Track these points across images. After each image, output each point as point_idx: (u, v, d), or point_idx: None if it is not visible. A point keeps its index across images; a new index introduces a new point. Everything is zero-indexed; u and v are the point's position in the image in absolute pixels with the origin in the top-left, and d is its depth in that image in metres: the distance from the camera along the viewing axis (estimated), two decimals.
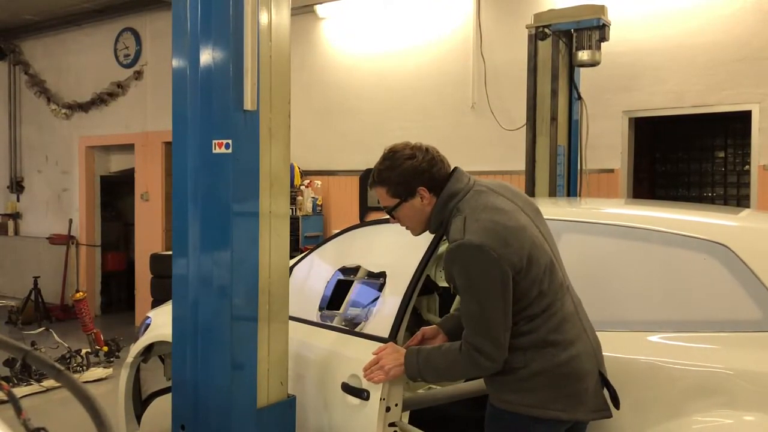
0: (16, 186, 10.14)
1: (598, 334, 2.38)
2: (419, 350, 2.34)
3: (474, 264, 2.10)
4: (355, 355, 2.65)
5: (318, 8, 6.91)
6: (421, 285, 2.68)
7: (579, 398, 2.18)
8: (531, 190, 4.53)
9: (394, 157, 2.31)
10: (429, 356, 2.30)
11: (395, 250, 2.98)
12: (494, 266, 2.08)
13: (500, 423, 2.26)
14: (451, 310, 3.44)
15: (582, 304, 2.34)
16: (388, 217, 2.44)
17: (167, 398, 2.99)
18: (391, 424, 2.49)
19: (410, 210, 2.34)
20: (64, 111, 9.37)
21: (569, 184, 4.71)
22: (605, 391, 2.26)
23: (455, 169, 2.34)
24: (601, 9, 4.40)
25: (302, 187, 6.82)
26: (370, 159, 7.18)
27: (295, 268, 3.39)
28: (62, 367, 1.37)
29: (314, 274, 3.35)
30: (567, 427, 2.23)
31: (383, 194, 2.35)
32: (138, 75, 8.59)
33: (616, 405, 2.26)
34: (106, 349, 6.35)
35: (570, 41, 4.54)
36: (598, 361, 2.26)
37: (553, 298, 2.20)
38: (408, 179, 2.28)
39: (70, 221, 9.30)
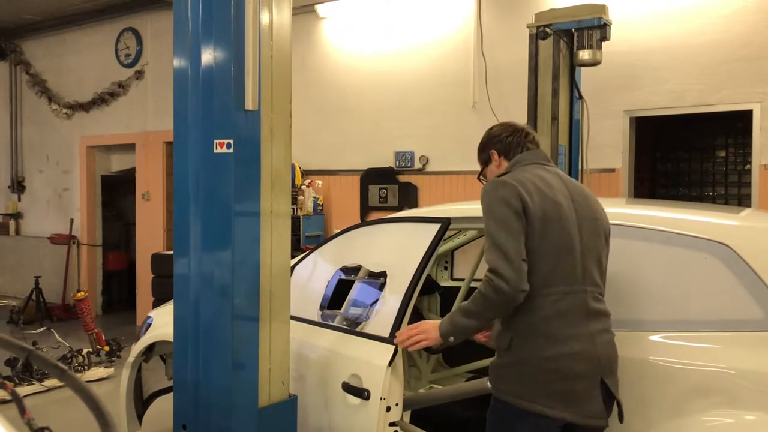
0: (17, 186, 10.15)
1: None
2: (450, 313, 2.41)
3: (496, 194, 2.29)
4: (355, 355, 2.66)
5: (319, 8, 6.91)
6: (421, 284, 2.68)
7: (566, 398, 2.19)
8: None
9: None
10: (459, 307, 2.34)
11: (396, 249, 2.99)
12: (512, 198, 2.24)
13: (495, 414, 2.32)
14: (453, 308, 3.44)
15: (606, 316, 2.33)
16: (387, 216, 2.48)
17: (168, 398, 3.00)
18: (392, 424, 2.49)
19: (490, 175, 2.57)
20: (65, 111, 9.37)
21: None
22: (614, 404, 2.26)
23: (539, 150, 2.54)
24: (602, 8, 4.39)
25: (303, 187, 6.82)
26: (371, 159, 7.22)
27: (296, 268, 3.40)
28: (65, 367, 1.38)
29: (315, 273, 3.36)
30: (559, 426, 2.21)
31: (479, 163, 2.65)
32: (139, 75, 8.60)
33: (620, 418, 2.26)
34: (107, 348, 6.36)
35: (571, 41, 4.53)
36: (602, 370, 2.24)
37: (556, 284, 2.23)
38: (484, 146, 2.61)
39: (71, 221, 9.30)
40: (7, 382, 1.36)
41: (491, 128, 2.62)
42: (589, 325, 2.25)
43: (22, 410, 1.21)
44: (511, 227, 2.22)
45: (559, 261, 2.24)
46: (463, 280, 4.18)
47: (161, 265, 7.02)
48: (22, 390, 5.33)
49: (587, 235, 2.34)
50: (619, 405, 2.27)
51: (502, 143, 2.53)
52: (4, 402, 1.89)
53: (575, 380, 2.20)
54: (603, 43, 4.45)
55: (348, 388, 2.60)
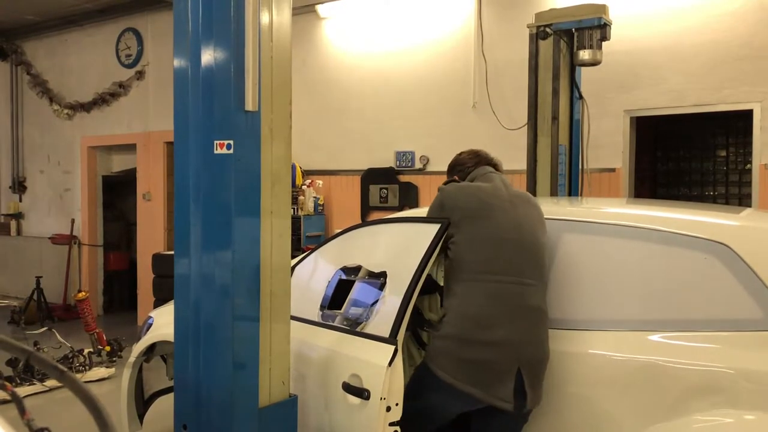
0: (19, 186, 10.16)
1: (598, 332, 2.39)
2: None
3: (436, 198, 2.80)
4: (356, 355, 2.66)
5: (319, 8, 6.91)
6: (422, 284, 2.68)
7: (478, 377, 2.39)
8: (533, 190, 4.53)
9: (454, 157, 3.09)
10: None
11: (396, 249, 2.99)
12: (442, 203, 2.74)
13: (417, 372, 2.69)
14: None
15: (540, 311, 2.50)
16: (388, 216, 2.61)
17: (169, 398, 3.00)
18: (392, 424, 2.50)
19: None
20: (66, 111, 9.38)
21: (571, 184, 4.71)
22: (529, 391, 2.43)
23: (481, 167, 2.92)
24: (602, 8, 4.39)
25: (304, 187, 6.82)
26: (371, 158, 7.23)
27: (297, 268, 3.40)
28: (65, 368, 1.38)
29: (316, 273, 3.36)
30: (468, 403, 2.44)
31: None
32: (140, 75, 8.60)
33: (521, 407, 2.43)
34: (108, 348, 6.36)
35: (571, 40, 4.53)
36: (520, 360, 2.40)
37: (488, 272, 2.49)
38: (451, 169, 3.06)
39: (72, 221, 9.31)
40: (6, 383, 1.36)
41: (460, 154, 3.05)
42: (516, 315, 2.44)
43: (22, 411, 1.21)
44: None
45: (491, 252, 2.51)
46: None
47: (162, 265, 7.03)
48: (24, 390, 5.34)
49: (528, 234, 2.59)
50: (525, 397, 2.41)
51: (464, 172, 2.97)
52: (4, 402, 1.89)
53: (490, 364, 2.40)
54: (603, 42, 4.45)
55: (348, 388, 2.60)
